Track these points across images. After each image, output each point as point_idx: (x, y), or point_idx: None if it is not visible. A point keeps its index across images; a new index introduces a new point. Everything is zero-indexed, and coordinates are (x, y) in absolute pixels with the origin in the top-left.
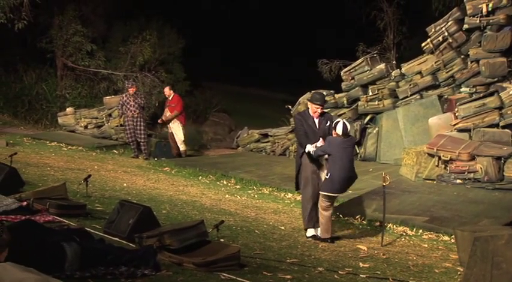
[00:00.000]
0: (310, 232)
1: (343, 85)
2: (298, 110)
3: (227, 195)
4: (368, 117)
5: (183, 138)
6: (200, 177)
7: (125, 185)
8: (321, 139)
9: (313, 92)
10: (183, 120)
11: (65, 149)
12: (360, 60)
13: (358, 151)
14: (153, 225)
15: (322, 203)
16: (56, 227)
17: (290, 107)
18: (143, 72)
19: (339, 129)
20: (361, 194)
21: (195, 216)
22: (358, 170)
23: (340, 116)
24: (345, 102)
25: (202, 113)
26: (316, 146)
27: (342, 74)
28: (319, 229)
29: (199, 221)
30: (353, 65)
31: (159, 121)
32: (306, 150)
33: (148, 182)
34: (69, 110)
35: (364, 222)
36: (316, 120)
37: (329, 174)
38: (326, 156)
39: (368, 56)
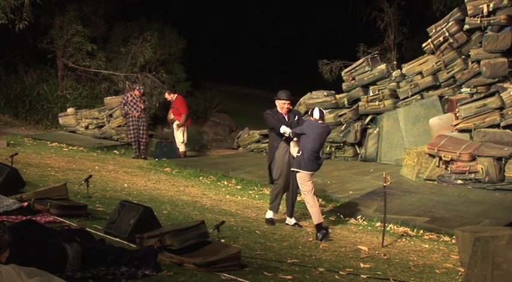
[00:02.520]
0: (269, 214)
1: (344, 85)
2: (298, 110)
3: (228, 196)
4: (369, 118)
5: (182, 140)
6: (201, 178)
7: (125, 185)
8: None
9: (280, 90)
10: (186, 121)
11: (66, 149)
12: (360, 61)
13: (359, 152)
14: (154, 226)
15: (301, 187)
16: (57, 227)
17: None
18: (144, 72)
19: (316, 114)
20: (362, 195)
21: (195, 217)
22: (359, 171)
23: (340, 116)
24: (346, 102)
25: (202, 113)
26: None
27: (342, 74)
28: (292, 219)
29: (200, 222)
30: (354, 66)
31: (172, 120)
32: (282, 131)
33: (149, 183)
34: (70, 110)
35: (365, 223)
36: (285, 116)
37: (300, 152)
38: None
39: (369, 56)
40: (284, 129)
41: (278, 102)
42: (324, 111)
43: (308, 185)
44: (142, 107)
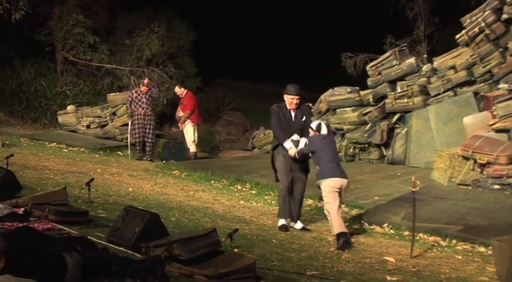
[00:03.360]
0: (281, 222)
1: (369, 81)
2: (319, 109)
3: (242, 201)
4: (396, 117)
5: (193, 139)
6: (212, 182)
7: (130, 189)
8: (297, 135)
9: (289, 84)
10: (196, 119)
11: (66, 150)
12: (387, 54)
13: (385, 153)
14: (161, 234)
15: (324, 198)
16: (56, 235)
17: (311, 105)
18: (150, 66)
19: (324, 130)
20: (389, 201)
21: (206, 224)
22: (385, 174)
23: (365, 115)
24: (371, 99)
25: (214, 111)
26: (292, 140)
27: (367, 68)
28: (298, 222)
29: (212, 229)
30: (380, 59)
31: (180, 127)
32: (286, 147)
33: (156, 187)
34: (70, 108)
35: (392, 232)
36: (293, 113)
37: (317, 168)
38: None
39: (396, 49)
40: (289, 146)
41: (286, 97)
42: (329, 124)
43: (330, 196)
44: (146, 102)
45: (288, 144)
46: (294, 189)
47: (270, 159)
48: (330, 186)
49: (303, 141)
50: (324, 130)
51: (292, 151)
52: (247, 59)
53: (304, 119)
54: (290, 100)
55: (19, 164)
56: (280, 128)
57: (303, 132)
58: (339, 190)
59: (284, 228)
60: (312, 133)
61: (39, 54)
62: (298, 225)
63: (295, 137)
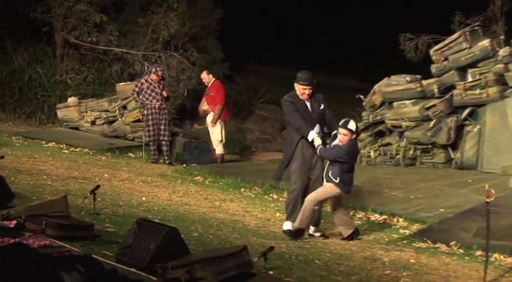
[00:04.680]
0: (287, 225)
1: (434, 68)
2: (372, 102)
3: (278, 214)
4: (466, 111)
5: (220, 138)
6: (242, 190)
7: (144, 199)
8: (318, 126)
9: (300, 71)
10: (224, 114)
11: (66, 151)
12: (456, 35)
13: (452, 156)
14: (181, 252)
15: (320, 194)
16: (55, 253)
17: (362, 97)
18: (168, 51)
19: (352, 126)
20: (457, 214)
21: (235, 241)
22: (453, 181)
23: (428, 109)
24: (436, 90)
25: (245, 105)
26: (318, 133)
27: (431, 53)
28: (312, 228)
29: (242, 248)
30: (447, 42)
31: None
32: (310, 139)
33: (175, 196)
34: (71, 100)
35: (461, 251)
36: (308, 103)
37: (339, 179)
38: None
39: (467, 29)
40: (313, 137)
41: (298, 87)
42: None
43: (327, 197)
44: (165, 95)
45: (311, 135)
46: (307, 193)
47: (285, 154)
48: (337, 192)
49: (317, 127)
50: (352, 126)
51: (318, 141)
52: (285, 42)
53: (321, 107)
54: (302, 90)
55: (11, 167)
56: (301, 119)
57: (323, 123)
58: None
59: (290, 233)
60: (343, 134)
61: (35, 35)
62: (316, 232)
63: (317, 128)
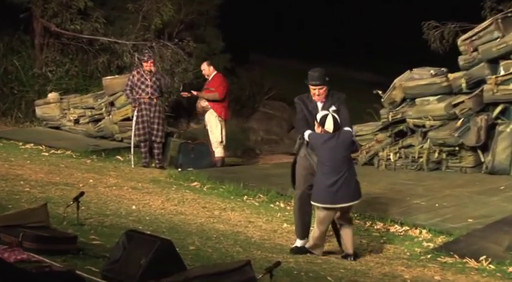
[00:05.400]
0: (298, 242)
1: (461, 60)
2: (392, 98)
3: (285, 225)
4: (499, 109)
5: (220, 139)
6: (245, 198)
7: (133, 207)
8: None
9: (311, 69)
10: (224, 112)
11: (46, 153)
12: (486, 23)
13: (483, 159)
14: (176, 267)
15: (317, 214)
16: (33, 268)
17: (380, 92)
18: (161, 40)
19: (329, 125)
20: (488, 225)
21: (237, 255)
22: (483, 188)
23: (455, 106)
24: (464, 85)
25: (248, 101)
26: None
27: (459, 43)
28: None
29: (244, 263)
30: (476, 30)
31: (184, 94)
32: (306, 138)
33: (169, 204)
34: (52, 96)
35: (492, 267)
36: (320, 105)
37: (315, 180)
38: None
39: (499, 15)
40: (308, 135)
41: (310, 87)
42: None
43: (324, 217)
44: (151, 85)
45: (307, 133)
46: None
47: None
48: (322, 216)
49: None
50: (330, 125)
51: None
52: (294, 30)
53: (333, 108)
54: (312, 91)
55: None
56: (303, 121)
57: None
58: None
59: (297, 251)
60: (316, 128)
61: (11, 22)
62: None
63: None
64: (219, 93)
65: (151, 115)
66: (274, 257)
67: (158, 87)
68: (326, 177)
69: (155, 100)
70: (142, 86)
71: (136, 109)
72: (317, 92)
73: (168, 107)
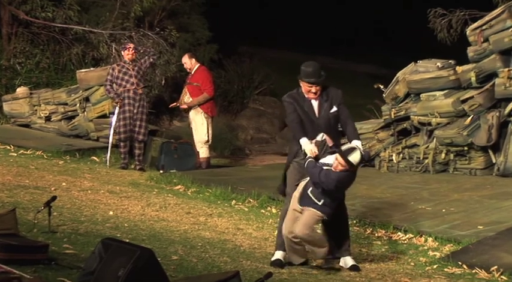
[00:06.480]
0: (277, 255)
1: (471, 51)
2: (395, 93)
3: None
4: (511, 105)
5: (206, 138)
6: (233, 202)
7: (111, 213)
8: (323, 134)
9: (303, 64)
10: (211, 109)
11: (14, 154)
12: (498, 11)
13: (494, 161)
14: (157, 279)
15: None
16: (1, 280)
17: (381, 86)
18: (141, 29)
19: (354, 159)
20: (499, 232)
21: (225, 266)
22: (495, 192)
23: (464, 102)
24: (474, 79)
25: (237, 96)
26: (317, 142)
27: (468, 33)
28: (348, 258)
29: (233, 274)
30: (487, 19)
31: (176, 104)
32: (303, 148)
33: (150, 209)
34: (21, 90)
35: (504, 278)
36: (315, 103)
37: (322, 201)
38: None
39: (511, 3)
40: (304, 145)
41: (302, 83)
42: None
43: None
44: (136, 75)
45: (304, 142)
46: None
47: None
48: (318, 217)
49: (320, 136)
50: (354, 162)
51: (309, 150)
52: (288, 18)
53: (333, 110)
54: (306, 88)
55: None
56: (298, 124)
57: (334, 130)
58: None
59: (279, 264)
60: (340, 163)
61: None
62: (348, 261)
63: (319, 137)
64: (208, 92)
65: (135, 111)
66: (265, 268)
67: (142, 77)
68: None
69: (140, 91)
70: (126, 77)
71: (122, 103)
72: (313, 90)
73: (149, 103)
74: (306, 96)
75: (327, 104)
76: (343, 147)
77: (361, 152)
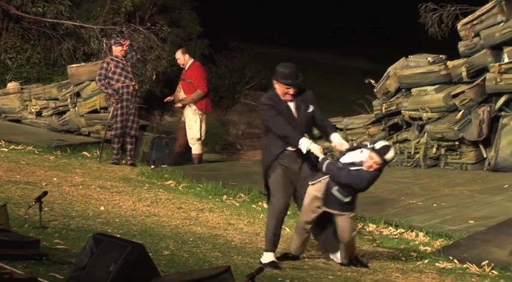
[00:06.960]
0: (268, 257)
1: (462, 46)
2: (385, 88)
3: None
4: (502, 100)
5: (198, 136)
6: (225, 197)
7: (102, 208)
8: (305, 136)
9: (279, 65)
10: (205, 105)
11: (5, 149)
12: (488, 6)
13: (485, 155)
14: (148, 275)
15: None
16: None
17: (373, 82)
18: (132, 24)
19: (390, 156)
20: (490, 227)
21: (216, 261)
22: (486, 187)
23: (455, 97)
24: (465, 74)
25: (228, 91)
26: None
27: (459, 27)
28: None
29: (224, 269)
30: (477, 14)
31: (171, 98)
32: (305, 149)
33: (141, 205)
34: (11, 86)
35: (495, 273)
36: (292, 105)
37: (349, 197)
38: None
39: None
40: (308, 146)
41: (278, 85)
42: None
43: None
44: (132, 71)
45: (305, 143)
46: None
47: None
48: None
49: (356, 155)
50: (389, 158)
51: (318, 151)
52: (278, 14)
53: (310, 110)
54: (283, 90)
55: None
56: (284, 123)
57: (309, 131)
58: None
59: (274, 266)
60: (375, 162)
61: None
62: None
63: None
64: (201, 89)
65: (131, 106)
66: (256, 263)
67: (133, 72)
68: None
69: (137, 87)
70: (124, 73)
71: (120, 99)
72: (291, 92)
73: (140, 98)
74: (283, 98)
75: (303, 105)
76: (375, 145)
77: (394, 148)
